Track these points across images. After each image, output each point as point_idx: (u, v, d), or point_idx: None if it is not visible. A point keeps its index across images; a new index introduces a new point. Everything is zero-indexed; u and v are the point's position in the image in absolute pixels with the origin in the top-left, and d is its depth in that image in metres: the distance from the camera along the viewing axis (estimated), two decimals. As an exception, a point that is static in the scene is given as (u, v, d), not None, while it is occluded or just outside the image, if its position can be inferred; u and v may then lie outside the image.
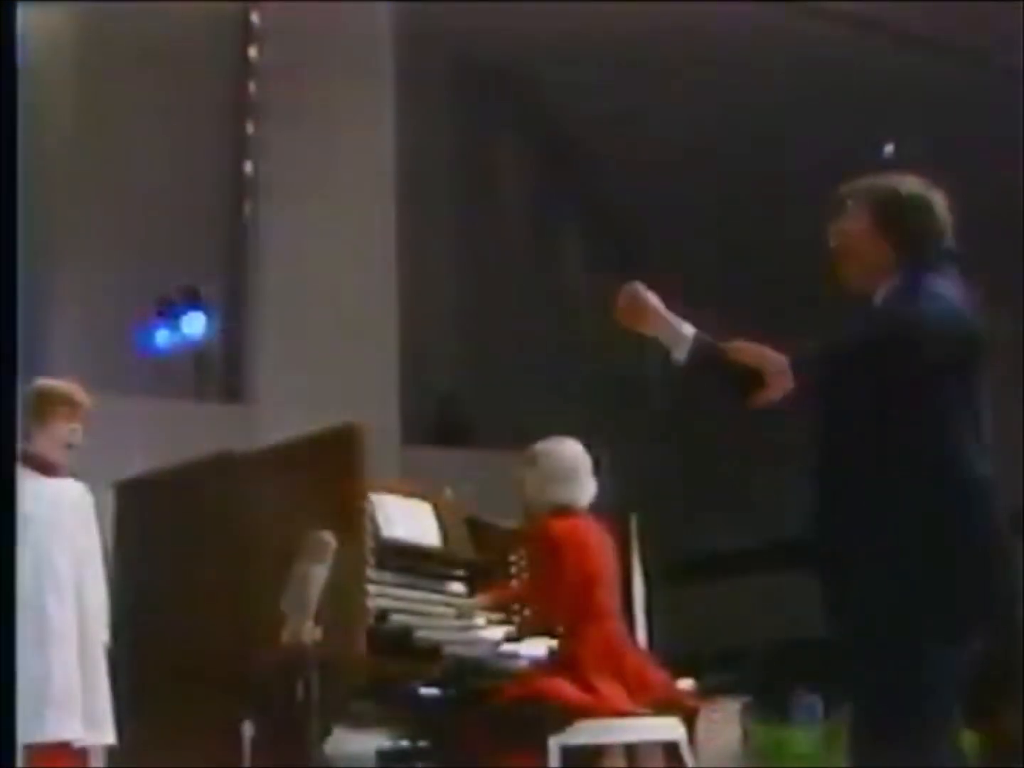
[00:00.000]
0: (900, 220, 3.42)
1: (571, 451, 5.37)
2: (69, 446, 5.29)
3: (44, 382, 5.38)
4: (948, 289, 3.29)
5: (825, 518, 3.38)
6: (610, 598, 5.24)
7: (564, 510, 5.27)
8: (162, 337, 11.67)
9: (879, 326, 3.27)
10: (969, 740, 10.21)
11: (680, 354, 3.39)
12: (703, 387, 3.64)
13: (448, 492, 5.89)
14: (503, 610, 5.48)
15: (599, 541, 5.31)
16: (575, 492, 5.31)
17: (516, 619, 5.55)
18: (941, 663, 3.16)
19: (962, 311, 3.29)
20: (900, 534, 3.20)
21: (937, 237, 3.45)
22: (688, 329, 3.41)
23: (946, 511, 3.20)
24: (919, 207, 3.45)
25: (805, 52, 12.88)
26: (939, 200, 3.48)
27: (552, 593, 5.17)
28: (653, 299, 3.44)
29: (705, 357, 3.39)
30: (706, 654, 11.75)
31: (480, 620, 5.46)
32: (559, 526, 5.19)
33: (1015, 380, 14.60)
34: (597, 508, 5.41)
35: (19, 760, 4.58)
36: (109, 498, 5.57)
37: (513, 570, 5.87)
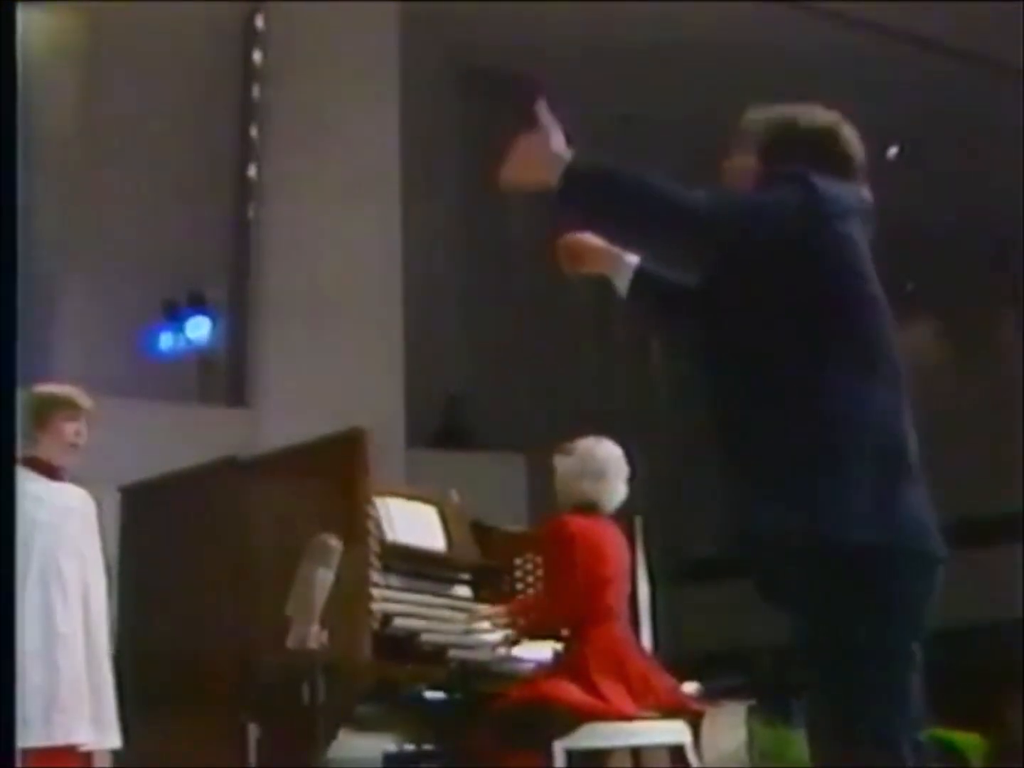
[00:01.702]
0: (791, 156, 3.01)
1: (607, 451, 5.39)
2: (73, 447, 5.29)
3: (44, 386, 5.39)
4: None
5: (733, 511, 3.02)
6: (619, 602, 5.26)
7: (587, 508, 5.29)
8: (167, 341, 11.70)
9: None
10: (970, 741, 10.21)
11: (622, 284, 3.35)
12: (643, 315, 3.56)
13: (453, 495, 5.89)
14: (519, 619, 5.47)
15: (615, 544, 5.33)
16: (603, 492, 5.33)
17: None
18: (878, 624, 2.83)
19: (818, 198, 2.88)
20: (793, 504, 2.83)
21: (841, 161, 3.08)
22: (631, 258, 3.34)
23: (823, 447, 2.83)
24: (815, 138, 3.09)
25: (805, 53, 12.88)
26: (847, 130, 3.13)
27: (562, 590, 5.18)
28: (594, 238, 3.35)
29: (645, 284, 3.32)
30: (710, 657, 11.76)
31: (485, 623, 5.46)
32: (577, 523, 5.21)
33: (1015, 381, 14.61)
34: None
35: (18, 761, 4.59)
36: (114, 502, 5.58)
37: (518, 574, 5.88)
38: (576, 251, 3.39)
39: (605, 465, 5.34)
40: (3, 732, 3.05)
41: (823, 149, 3.07)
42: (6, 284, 3.09)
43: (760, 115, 3.20)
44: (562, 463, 5.39)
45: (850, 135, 3.14)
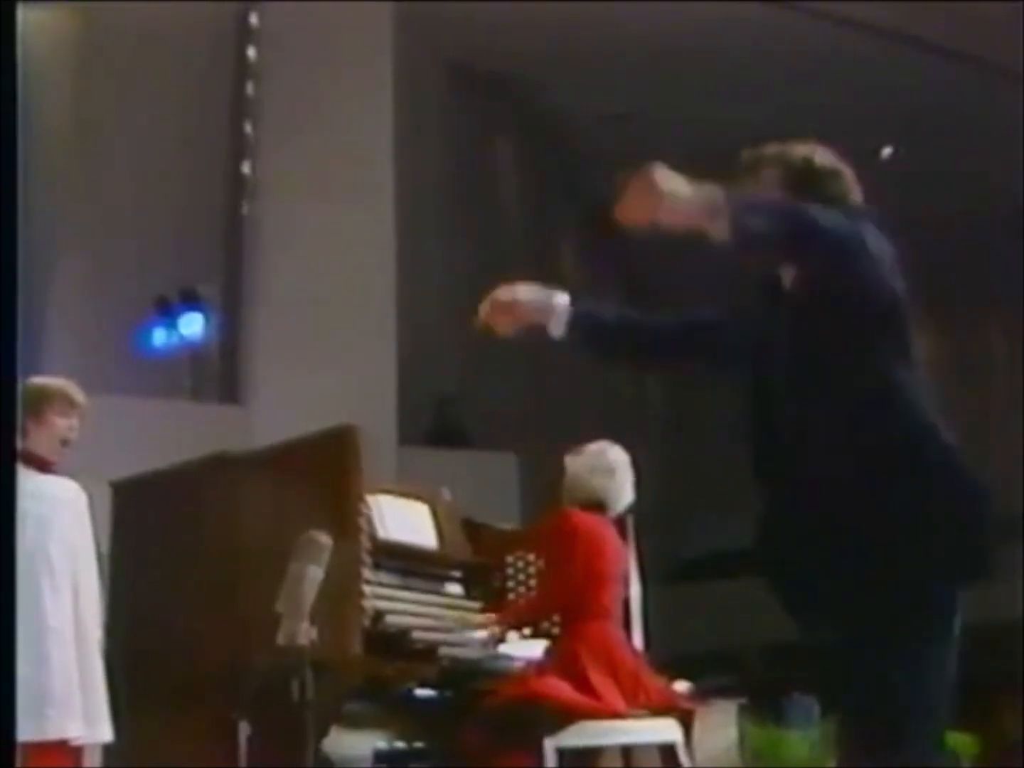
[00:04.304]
0: (812, 185, 3.23)
1: (617, 454, 5.50)
2: (65, 442, 5.29)
3: (39, 379, 5.39)
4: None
5: (772, 520, 3.34)
6: (613, 601, 5.30)
7: (594, 506, 5.37)
8: (160, 337, 11.67)
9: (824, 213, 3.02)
10: (962, 740, 10.23)
11: (558, 327, 3.36)
12: (586, 347, 3.53)
13: (445, 493, 5.89)
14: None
15: (616, 546, 5.41)
16: (611, 490, 5.43)
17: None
18: (928, 646, 3.01)
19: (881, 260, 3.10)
20: (861, 520, 3.04)
21: (845, 200, 3.28)
22: (563, 300, 3.37)
23: (907, 483, 3.04)
24: (830, 173, 3.29)
25: (804, 53, 12.89)
26: (847, 169, 3.34)
27: (559, 581, 5.22)
28: (525, 291, 3.40)
29: (586, 320, 3.38)
30: (702, 656, 11.77)
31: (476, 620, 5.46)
32: (581, 518, 5.29)
33: (1015, 382, 14.63)
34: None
35: (18, 760, 4.58)
36: (105, 497, 5.57)
37: (509, 571, 5.88)
38: (508, 307, 3.37)
39: (611, 464, 5.45)
40: (3, 729, 3.04)
41: (833, 182, 3.29)
42: (7, 283, 3.09)
43: (772, 151, 3.38)
44: (573, 461, 5.48)
45: (849, 172, 3.34)
